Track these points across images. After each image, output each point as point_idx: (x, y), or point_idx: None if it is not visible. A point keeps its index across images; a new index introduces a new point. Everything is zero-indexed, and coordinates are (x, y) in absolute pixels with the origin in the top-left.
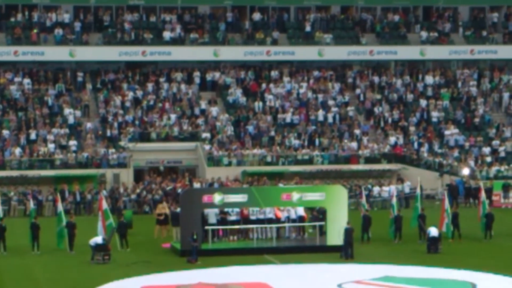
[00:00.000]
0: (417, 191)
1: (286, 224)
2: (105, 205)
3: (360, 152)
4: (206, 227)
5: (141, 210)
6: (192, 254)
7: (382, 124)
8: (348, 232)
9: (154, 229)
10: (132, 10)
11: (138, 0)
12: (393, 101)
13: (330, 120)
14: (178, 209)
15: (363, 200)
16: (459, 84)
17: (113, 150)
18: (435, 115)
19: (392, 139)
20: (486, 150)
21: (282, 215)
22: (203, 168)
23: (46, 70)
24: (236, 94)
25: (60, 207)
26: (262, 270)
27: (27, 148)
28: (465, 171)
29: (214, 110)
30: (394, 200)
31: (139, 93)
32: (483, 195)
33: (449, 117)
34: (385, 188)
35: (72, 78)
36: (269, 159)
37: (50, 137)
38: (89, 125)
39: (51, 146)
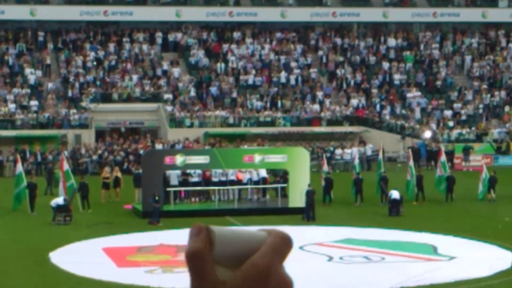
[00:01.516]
0: (379, 157)
1: (249, 186)
2: (66, 166)
3: (322, 114)
4: (168, 189)
5: (102, 171)
6: (153, 216)
7: (344, 86)
8: (309, 194)
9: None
10: None
11: None
12: (355, 64)
13: (292, 82)
14: (140, 171)
15: (324, 166)
16: (422, 46)
17: (75, 110)
18: (397, 77)
19: (354, 102)
20: (448, 113)
21: (244, 177)
22: (165, 129)
23: (6, 29)
24: (198, 55)
25: (20, 168)
26: None
27: None
28: (427, 134)
29: (176, 71)
30: (356, 162)
31: (101, 53)
32: (443, 157)
33: (411, 80)
34: (347, 151)
35: (32, 38)
36: (231, 120)
37: (11, 97)
38: (50, 85)
39: (12, 106)
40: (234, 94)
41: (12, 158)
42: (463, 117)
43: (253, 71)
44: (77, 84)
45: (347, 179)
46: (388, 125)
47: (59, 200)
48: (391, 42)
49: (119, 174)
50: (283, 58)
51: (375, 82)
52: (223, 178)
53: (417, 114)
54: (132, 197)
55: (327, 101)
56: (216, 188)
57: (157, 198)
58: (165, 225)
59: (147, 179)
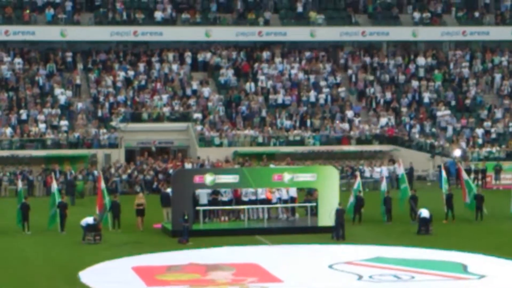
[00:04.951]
0: (401, 173)
1: (278, 205)
2: (103, 184)
3: (351, 133)
4: (197, 208)
5: (132, 190)
6: (183, 235)
7: (374, 105)
8: (339, 213)
9: (136, 220)
10: None
11: None
12: (385, 82)
13: (321, 101)
14: (169, 190)
15: (357, 183)
16: (451, 65)
17: (105, 130)
18: (426, 96)
19: (383, 120)
20: (478, 131)
21: (273, 196)
22: (194, 148)
23: (37, 50)
24: (228, 74)
25: (54, 187)
26: (253, 250)
27: (18, 128)
28: (457, 153)
29: (205, 91)
30: (384, 182)
31: (131, 73)
32: (464, 175)
33: (440, 99)
34: (377, 169)
35: (63, 58)
36: (260, 140)
37: (41, 117)
38: (80, 105)
39: (42, 126)
40: (264, 113)
41: (41, 178)
42: (493, 136)
43: (282, 91)
44: (107, 104)
45: (377, 197)
46: (417, 144)
47: (89, 220)
48: (421, 61)
49: (143, 201)
50: (312, 77)
51: (404, 101)
52: (253, 197)
53: (449, 132)
54: (159, 216)
55: (356, 120)
56: (245, 207)
57: (186, 217)
58: (194, 244)
59: (176, 198)
